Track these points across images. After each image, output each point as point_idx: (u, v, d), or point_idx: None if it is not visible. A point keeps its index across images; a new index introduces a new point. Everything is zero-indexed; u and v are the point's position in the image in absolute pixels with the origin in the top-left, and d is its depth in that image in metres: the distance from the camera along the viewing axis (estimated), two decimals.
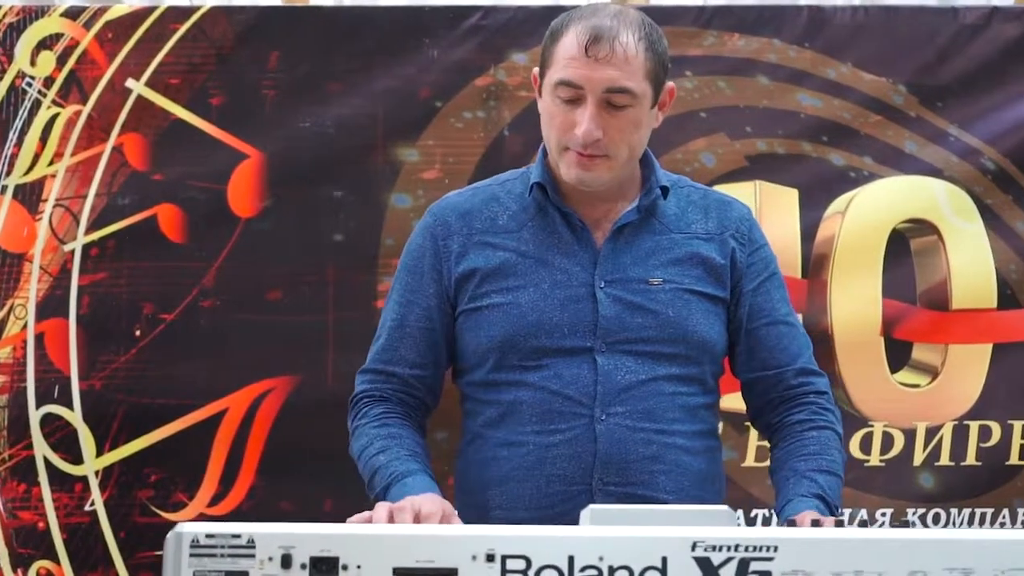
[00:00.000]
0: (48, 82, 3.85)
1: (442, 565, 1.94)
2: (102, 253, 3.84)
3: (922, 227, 3.93)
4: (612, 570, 1.92)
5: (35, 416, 3.79)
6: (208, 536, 1.92)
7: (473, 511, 2.46)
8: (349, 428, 2.54)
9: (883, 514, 3.82)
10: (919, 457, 3.88)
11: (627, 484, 2.39)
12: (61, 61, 3.87)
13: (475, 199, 2.53)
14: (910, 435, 3.88)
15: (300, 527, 1.95)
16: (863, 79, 3.95)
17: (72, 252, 3.83)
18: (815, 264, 3.89)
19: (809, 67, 3.90)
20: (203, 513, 3.77)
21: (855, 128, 3.95)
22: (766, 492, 3.53)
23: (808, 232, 3.89)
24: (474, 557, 1.94)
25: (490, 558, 1.94)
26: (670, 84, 2.47)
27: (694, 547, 1.92)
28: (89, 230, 3.83)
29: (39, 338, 3.82)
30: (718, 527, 1.97)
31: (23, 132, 3.85)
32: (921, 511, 3.86)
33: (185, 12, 3.88)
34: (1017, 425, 3.87)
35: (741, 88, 3.93)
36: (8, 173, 3.84)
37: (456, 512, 2.29)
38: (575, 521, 2.22)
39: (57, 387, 3.80)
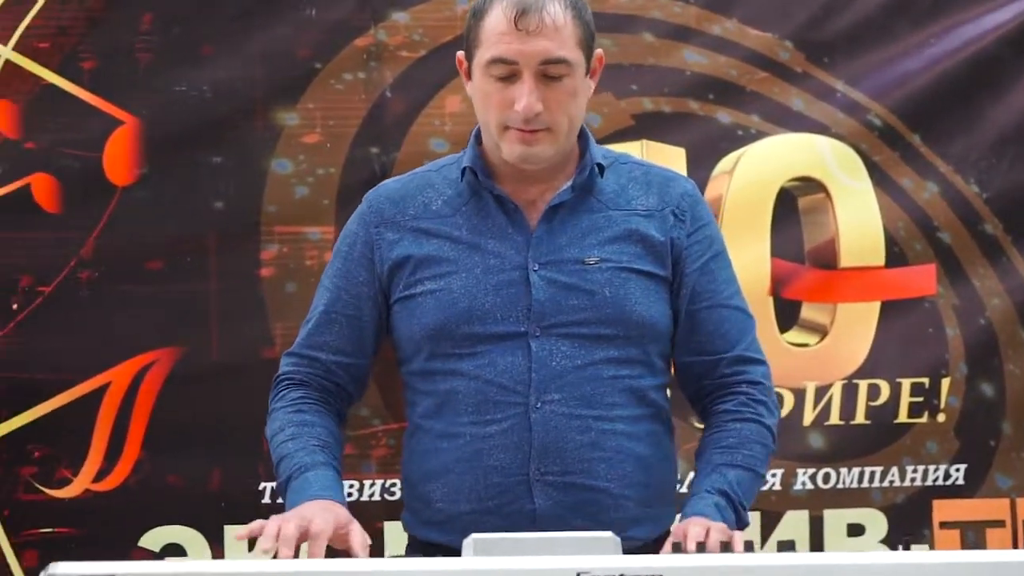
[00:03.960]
0: None
1: None
2: None
3: (810, 185, 3.91)
4: None
5: None
6: None
7: (418, 503, 2.46)
8: (268, 409, 2.48)
9: (773, 475, 3.82)
10: (809, 417, 3.88)
11: (566, 473, 2.35)
12: None
13: (410, 185, 2.48)
14: (800, 395, 3.87)
15: (173, 566, 1.90)
16: (749, 35, 3.89)
17: None
18: None
19: (694, 23, 3.84)
20: (88, 489, 3.68)
21: (741, 85, 3.90)
22: None
23: None
24: None
25: None
26: (599, 51, 2.41)
27: None
28: None
29: None
30: (602, 556, 1.95)
31: None
32: (811, 471, 3.87)
33: None
34: (905, 383, 3.89)
35: (625, 45, 3.84)
36: None
37: (352, 519, 2.24)
38: (518, 512, 2.31)
39: None
